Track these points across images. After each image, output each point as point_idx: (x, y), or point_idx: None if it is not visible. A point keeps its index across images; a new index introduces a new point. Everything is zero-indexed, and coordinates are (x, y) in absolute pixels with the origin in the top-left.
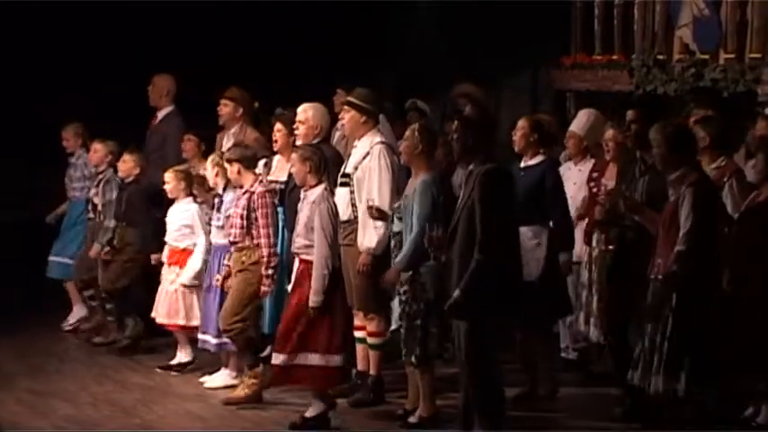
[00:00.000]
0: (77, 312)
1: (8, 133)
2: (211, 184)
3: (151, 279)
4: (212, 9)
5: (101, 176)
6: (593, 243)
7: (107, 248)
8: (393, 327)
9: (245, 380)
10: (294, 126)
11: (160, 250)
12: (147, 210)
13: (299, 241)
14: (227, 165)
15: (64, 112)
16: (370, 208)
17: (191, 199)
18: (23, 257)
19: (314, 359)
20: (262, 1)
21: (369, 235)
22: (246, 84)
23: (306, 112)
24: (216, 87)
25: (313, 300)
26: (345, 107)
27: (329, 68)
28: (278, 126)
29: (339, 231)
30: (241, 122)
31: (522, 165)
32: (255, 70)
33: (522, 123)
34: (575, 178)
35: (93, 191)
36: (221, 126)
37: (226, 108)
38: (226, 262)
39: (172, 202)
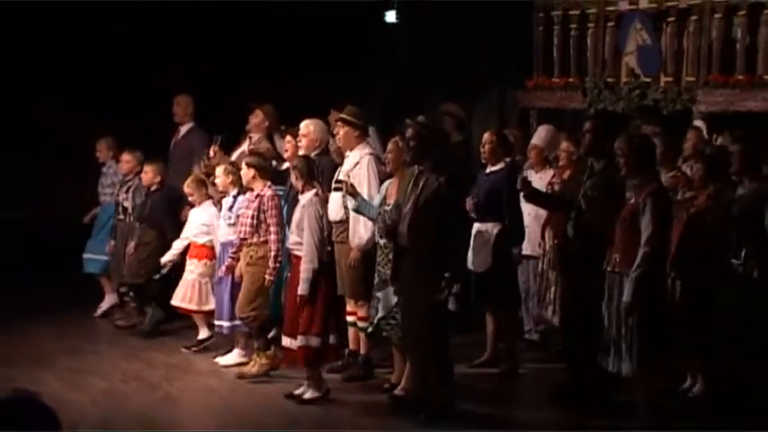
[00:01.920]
0: (108, 301)
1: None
2: (221, 188)
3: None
4: (212, 11)
5: (130, 183)
6: (546, 239)
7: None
8: (381, 314)
9: (256, 359)
10: (298, 139)
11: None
12: (168, 213)
13: (292, 238)
14: (244, 167)
15: (72, 116)
16: (345, 183)
17: (210, 202)
18: (52, 253)
19: (288, 341)
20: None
21: (358, 233)
22: (248, 85)
23: (307, 127)
24: (216, 90)
25: (300, 288)
26: (339, 123)
27: (320, 81)
28: (288, 138)
29: (333, 230)
30: (263, 134)
31: (487, 171)
32: (256, 72)
33: (489, 137)
34: (535, 184)
35: (122, 195)
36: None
37: (255, 119)
38: (230, 253)
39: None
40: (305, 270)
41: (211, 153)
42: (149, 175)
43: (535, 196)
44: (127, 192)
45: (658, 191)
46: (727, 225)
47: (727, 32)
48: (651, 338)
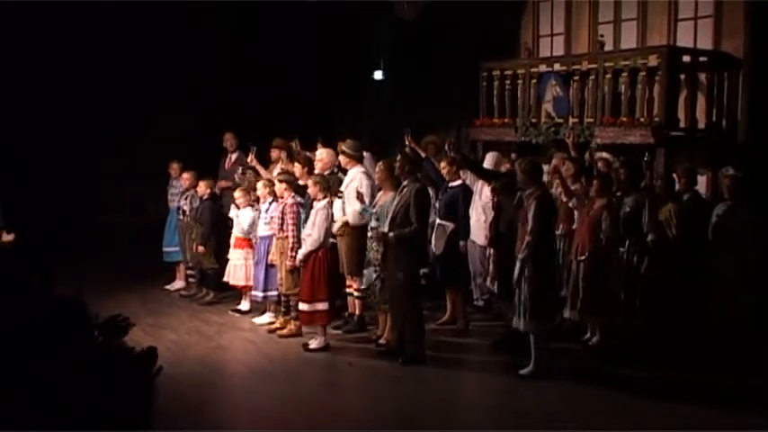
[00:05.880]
0: (178, 284)
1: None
2: (261, 197)
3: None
4: (248, 78)
5: (189, 193)
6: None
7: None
8: (363, 286)
9: (289, 325)
10: (314, 162)
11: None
12: (217, 215)
13: (306, 232)
14: (277, 182)
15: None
16: (359, 193)
17: (251, 208)
18: (136, 248)
19: (306, 306)
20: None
21: (351, 215)
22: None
23: (321, 154)
24: (254, 127)
25: (295, 259)
26: (341, 154)
27: (328, 120)
28: (296, 164)
29: (333, 227)
30: (286, 158)
31: (450, 185)
32: (284, 114)
33: (446, 164)
34: (487, 194)
35: (182, 202)
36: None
37: (275, 153)
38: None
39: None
40: (306, 248)
41: (249, 159)
42: (202, 188)
43: (465, 162)
44: (186, 199)
45: (540, 196)
46: (616, 224)
47: (615, 88)
48: (539, 303)
